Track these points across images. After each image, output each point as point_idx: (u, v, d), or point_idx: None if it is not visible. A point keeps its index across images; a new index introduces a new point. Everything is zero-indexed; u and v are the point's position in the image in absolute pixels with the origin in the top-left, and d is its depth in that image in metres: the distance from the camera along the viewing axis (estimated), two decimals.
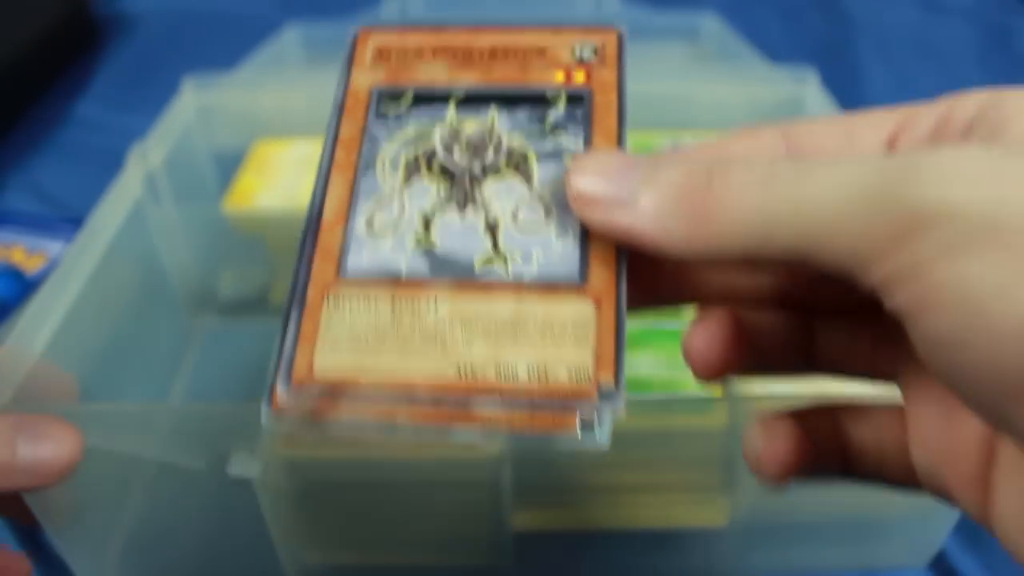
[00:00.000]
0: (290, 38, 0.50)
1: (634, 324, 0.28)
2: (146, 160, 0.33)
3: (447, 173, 0.18)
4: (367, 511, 0.26)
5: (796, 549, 0.28)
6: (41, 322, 0.25)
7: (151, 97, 0.52)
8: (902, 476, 0.16)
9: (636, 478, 0.26)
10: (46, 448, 0.21)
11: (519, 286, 0.16)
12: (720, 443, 0.24)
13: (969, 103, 0.15)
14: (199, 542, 0.27)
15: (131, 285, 0.31)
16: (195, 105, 0.38)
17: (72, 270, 0.27)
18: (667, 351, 0.28)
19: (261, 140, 0.38)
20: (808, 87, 0.38)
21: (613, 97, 0.18)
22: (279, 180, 0.36)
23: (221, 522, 0.26)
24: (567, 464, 0.25)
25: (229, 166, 0.37)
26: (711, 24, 0.50)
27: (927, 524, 0.27)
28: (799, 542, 0.27)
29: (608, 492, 0.26)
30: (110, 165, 0.46)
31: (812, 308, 0.17)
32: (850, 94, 0.50)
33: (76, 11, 0.57)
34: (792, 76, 0.38)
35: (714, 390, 0.25)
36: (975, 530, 0.29)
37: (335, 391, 0.15)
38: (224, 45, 0.57)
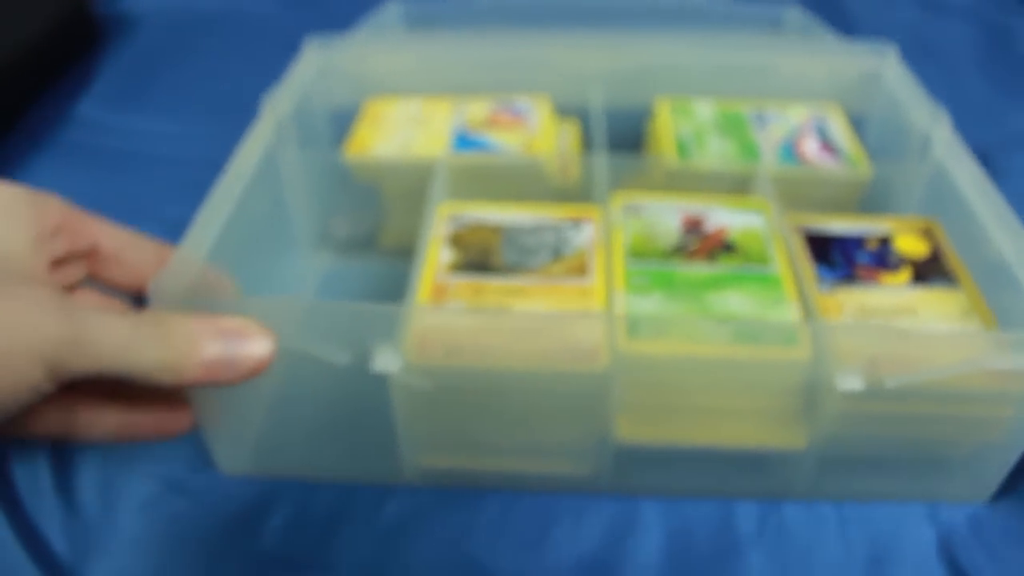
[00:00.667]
0: (390, 13, 0.53)
1: (724, 268, 0.31)
2: (276, 110, 0.36)
3: None
4: (484, 416, 0.29)
5: (866, 477, 0.30)
6: (197, 247, 0.28)
7: (152, 97, 0.53)
8: None
9: (726, 401, 0.29)
10: (249, 347, 0.25)
11: None
12: (803, 372, 0.27)
13: None
14: (327, 435, 0.31)
15: (262, 223, 0.34)
16: (315, 64, 0.41)
17: (219, 205, 0.30)
18: (755, 292, 0.30)
19: (372, 98, 0.42)
20: (888, 61, 0.40)
21: None
22: (391, 134, 0.39)
23: (351, 417, 0.30)
24: (666, 384, 0.29)
25: (343, 121, 0.41)
26: (794, 14, 0.51)
27: (990, 460, 0.29)
28: (869, 470, 0.30)
29: (700, 412, 0.29)
30: (111, 165, 0.48)
31: None
32: None
33: (76, 11, 0.56)
34: (872, 50, 0.40)
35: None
36: None
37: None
38: (224, 45, 0.59)
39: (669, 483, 0.30)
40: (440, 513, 0.30)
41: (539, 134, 0.39)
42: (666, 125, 0.40)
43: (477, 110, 0.41)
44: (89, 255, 0.28)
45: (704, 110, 0.41)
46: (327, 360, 0.26)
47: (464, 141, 0.39)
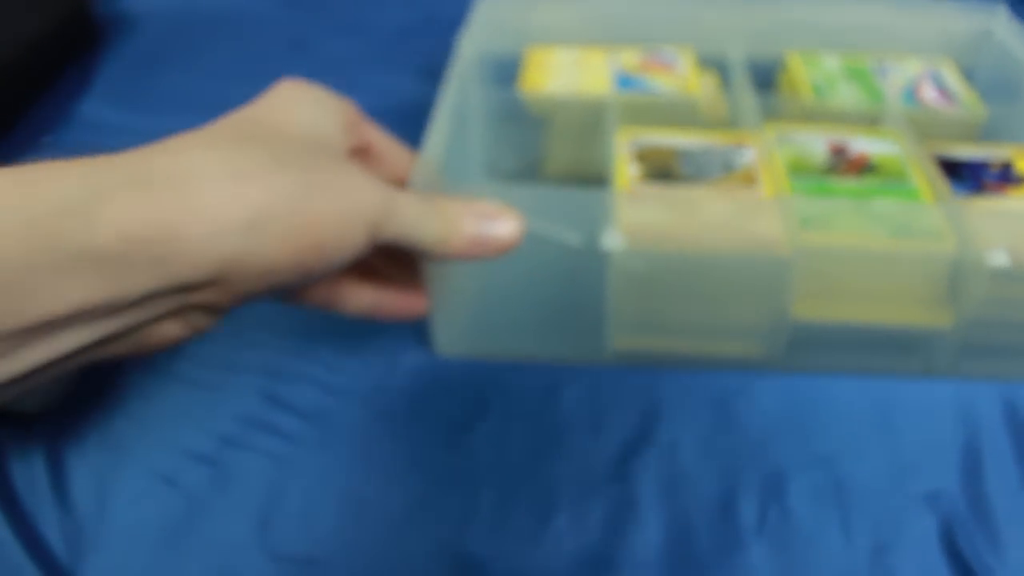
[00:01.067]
0: None
1: (870, 182, 0.37)
2: (463, 55, 0.42)
3: None
4: (681, 298, 0.34)
5: (1008, 359, 0.35)
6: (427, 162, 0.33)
7: (152, 97, 0.54)
8: None
9: (883, 285, 0.34)
10: (500, 227, 0.29)
11: None
12: (953, 255, 0.32)
13: None
14: (539, 317, 0.35)
15: (449, 152, 0.39)
16: (486, 16, 0.47)
17: (437, 133, 0.35)
18: (900, 199, 0.36)
19: (536, 46, 0.48)
20: (998, 18, 0.45)
21: None
22: (556, 76, 0.45)
23: (564, 299, 0.34)
24: (832, 270, 0.34)
25: (507, 68, 0.46)
26: None
27: None
28: (1012, 353, 0.34)
29: (861, 295, 0.34)
30: None
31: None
32: None
33: (76, 11, 0.56)
34: (984, 9, 0.46)
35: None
36: None
37: None
38: (224, 45, 0.59)
39: (831, 361, 0.35)
40: (634, 388, 0.35)
41: (688, 78, 0.45)
42: (800, 72, 0.46)
43: (629, 58, 0.46)
44: (364, 151, 0.32)
45: (831, 62, 0.46)
46: (559, 241, 0.31)
47: (625, 82, 0.44)
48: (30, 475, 0.32)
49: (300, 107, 0.28)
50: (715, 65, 0.47)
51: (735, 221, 0.33)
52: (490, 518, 0.31)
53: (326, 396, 0.35)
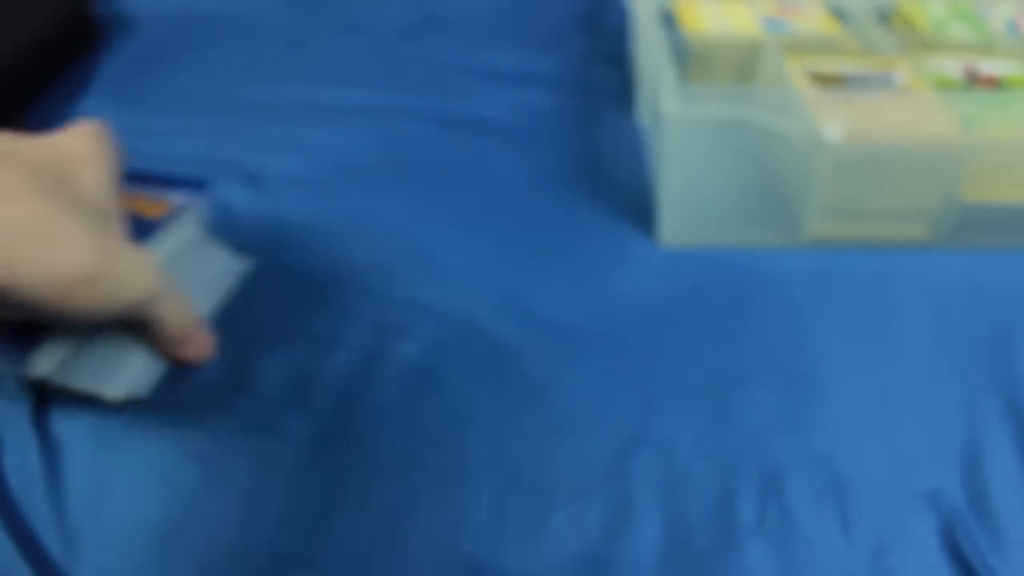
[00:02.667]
0: None
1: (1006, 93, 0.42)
2: (642, 7, 0.49)
3: None
4: (871, 184, 0.39)
5: None
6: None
7: (152, 96, 0.54)
8: None
9: None
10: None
11: None
12: None
13: None
14: (747, 202, 0.40)
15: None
16: None
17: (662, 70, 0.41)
18: None
19: (681, 2, 0.52)
20: None
21: None
22: (709, 22, 0.50)
23: (772, 185, 0.39)
24: (995, 158, 0.38)
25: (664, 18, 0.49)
26: None
27: None
28: None
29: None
30: None
31: None
32: None
33: (76, 11, 0.56)
34: None
35: None
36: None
37: None
38: (224, 45, 0.58)
39: (993, 239, 0.41)
40: (840, 270, 0.40)
41: (823, 20, 0.50)
42: (915, 13, 0.51)
43: (766, 6, 0.52)
44: None
45: (938, 7, 0.51)
46: (782, 133, 0.36)
47: (772, 24, 0.49)
48: (25, 474, 0.32)
49: (95, 170, 0.30)
50: (834, 11, 0.51)
51: (917, 113, 0.38)
52: (487, 517, 0.31)
53: (322, 395, 0.35)
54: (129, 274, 0.29)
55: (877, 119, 0.38)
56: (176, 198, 0.36)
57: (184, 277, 0.34)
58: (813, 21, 0.50)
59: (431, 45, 0.60)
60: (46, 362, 0.31)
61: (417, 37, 0.60)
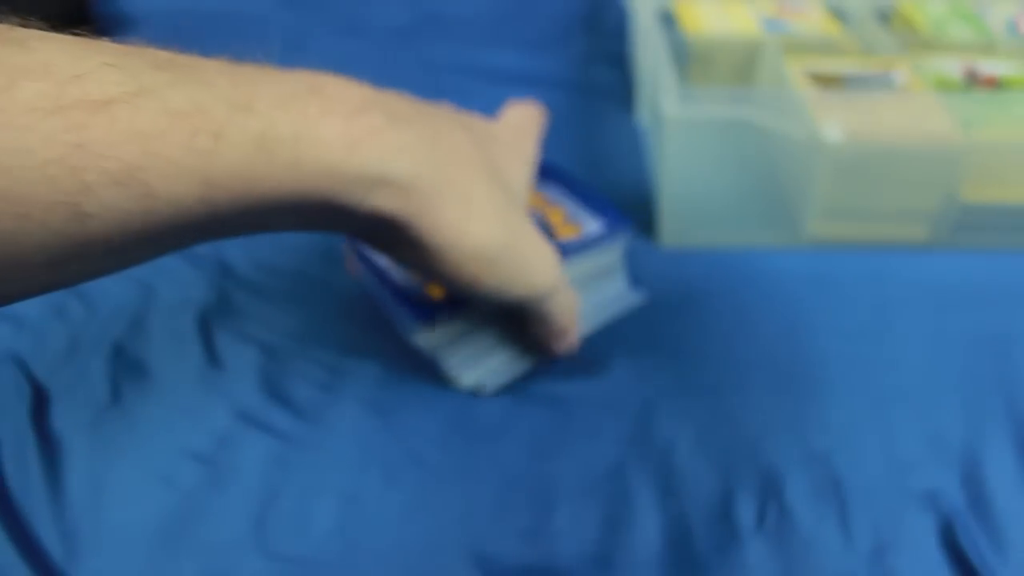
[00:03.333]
0: None
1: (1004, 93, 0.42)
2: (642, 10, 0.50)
3: None
4: (869, 185, 0.39)
5: None
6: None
7: None
8: None
9: None
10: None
11: None
12: None
13: None
14: (749, 202, 0.41)
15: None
16: None
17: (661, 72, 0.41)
18: None
19: (681, 3, 0.53)
20: None
21: None
22: (709, 23, 0.51)
23: (774, 186, 0.40)
24: (991, 160, 0.38)
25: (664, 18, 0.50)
26: None
27: None
28: None
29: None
30: None
31: None
32: None
33: (76, 11, 0.57)
34: None
35: None
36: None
37: None
38: (224, 45, 0.60)
39: (993, 239, 0.41)
40: (840, 271, 0.40)
41: (822, 20, 0.51)
42: (915, 13, 0.51)
43: (766, 6, 0.52)
44: None
45: (938, 8, 0.52)
46: (782, 133, 0.37)
47: (771, 24, 0.50)
48: (25, 474, 0.32)
49: (518, 157, 0.31)
50: (834, 11, 0.52)
51: (914, 116, 0.38)
52: (489, 517, 0.31)
53: (324, 394, 0.35)
54: (534, 261, 0.29)
55: (877, 119, 0.38)
56: (591, 226, 0.36)
57: (583, 295, 0.35)
58: (813, 21, 0.50)
59: (431, 45, 0.60)
60: (430, 338, 0.33)
61: (417, 37, 0.60)
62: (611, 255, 0.37)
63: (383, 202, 0.24)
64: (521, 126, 0.32)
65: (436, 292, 0.33)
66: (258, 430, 0.33)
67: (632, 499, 0.31)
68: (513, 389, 0.35)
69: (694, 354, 0.36)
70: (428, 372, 0.35)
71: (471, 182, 0.26)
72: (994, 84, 0.43)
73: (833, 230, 0.41)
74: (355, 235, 0.27)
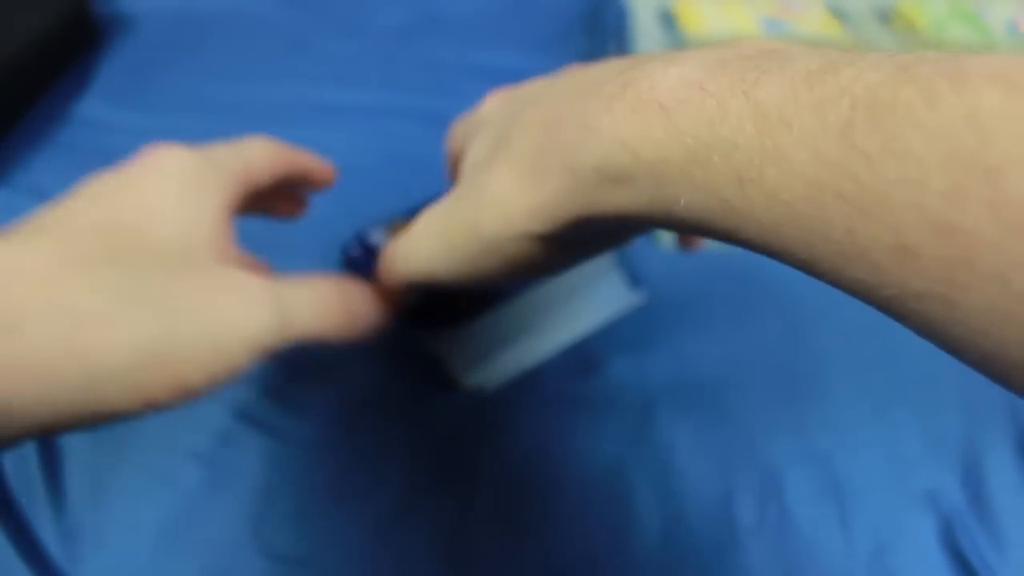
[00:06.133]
0: None
1: None
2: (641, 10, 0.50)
3: None
4: None
5: None
6: None
7: (152, 96, 0.53)
8: None
9: None
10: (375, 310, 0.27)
11: None
12: None
13: None
14: None
15: None
16: None
17: None
18: None
19: (681, 3, 0.52)
20: None
21: None
22: (709, 23, 0.50)
23: None
24: None
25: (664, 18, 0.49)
26: None
27: None
28: None
29: None
30: (111, 164, 0.47)
31: None
32: None
33: (76, 11, 0.55)
34: None
35: None
36: None
37: None
38: (224, 45, 0.58)
39: None
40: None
41: (822, 21, 0.51)
42: (915, 14, 0.51)
43: (766, 6, 0.52)
44: (282, 187, 0.30)
45: (938, 8, 0.52)
46: None
47: (771, 25, 0.50)
48: (25, 475, 0.32)
49: (166, 200, 0.24)
50: (834, 11, 0.52)
51: None
52: (487, 516, 0.31)
53: (324, 394, 0.35)
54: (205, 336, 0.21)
55: None
56: None
57: (577, 298, 0.35)
58: (813, 21, 0.51)
59: (431, 45, 0.59)
60: (431, 338, 0.33)
61: (417, 37, 0.60)
62: (603, 260, 0.37)
63: None
64: (162, 163, 0.26)
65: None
66: (258, 430, 0.33)
67: (632, 499, 0.31)
68: (513, 389, 0.35)
69: (694, 354, 0.36)
70: (429, 372, 0.35)
71: (49, 286, 0.20)
72: None
73: None
74: None
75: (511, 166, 0.22)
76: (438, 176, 0.47)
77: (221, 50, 0.58)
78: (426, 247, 0.24)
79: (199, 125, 0.50)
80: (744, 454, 0.32)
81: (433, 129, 0.53)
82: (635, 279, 0.39)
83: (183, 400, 0.21)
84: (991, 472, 0.31)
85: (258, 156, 0.28)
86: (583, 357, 0.36)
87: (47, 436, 0.20)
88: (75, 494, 0.31)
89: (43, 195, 0.44)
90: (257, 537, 0.30)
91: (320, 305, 0.25)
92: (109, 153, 0.48)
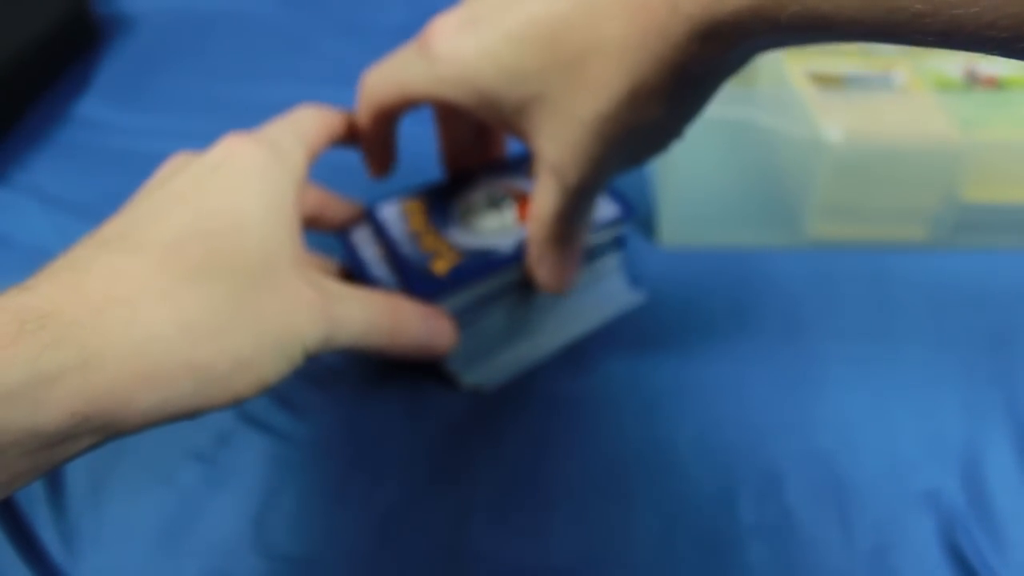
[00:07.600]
0: None
1: (1004, 92, 0.43)
2: None
3: None
4: (873, 184, 0.39)
5: None
6: None
7: (152, 96, 0.53)
8: None
9: None
10: (440, 337, 0.31)
11: None
12: None
13: None
14: (752, 205, 0.41)
15: None
16: None
17: None
18: None
19: None
20: None
21: None
22: None
23: (774, 186, 0.40)
24: (991, 159, 0.38)
25: None
26: None
27: None
28: None
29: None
30: (111, 165, 0.47)
31: None
32: None
33: (76, 11, 0.56)
34: None
35: None
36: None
37: None
38: (224, 45, 0.58)
39: (993, 239, 0.41)
40: (840, 271, 0.40)
41: None
42: None
43: None
44: (314, 213, 0.34)
45: None
46: (782, 133, 0.37)
47: None
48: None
49: (249, 205, 0.25)
50: None
51: (913, 116, 0.38)
52: (487, 516, 0.31)
53: (324, 394, 0.35)
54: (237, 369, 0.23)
55: (877, 119, 0.38)
56: (607, 209, 0.35)
57: (577, 298, 0.35)
58: None
59: None
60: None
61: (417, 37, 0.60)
62: (611, 260, 0.37)
63: None
64: (244, 164, 0.27)
65: (441, 268, 0.32)
66: (258, 430, 0.33)
67: (632, 499, 0.31)
68: (513, 389, 0.35)
69: (694, 354, 0.36)
70: (428, 372, 0.35)
71: (156, 304, 0.22)
72: (994, 84, 0.43)
73: (833, 230, 0.42)
74: None
75: None
76: (437, 175, 0.47)
77: (221, 50, 0.58)
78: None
79: (199, 125, 0.50)
80: (744, 454, 0.32)
81: (433, 129, 0.53)
82: (635, 279, 0.39)
83: (261, 394, 0.24)
84: (991, 473, 0.31)
85: (314, 131, 0.31)
86: (582, 357, 0.36)
87: (150, 428, 0.22)
88: (75, 494, 0.31)
89: (43, 195, 0.46)
90: (257, 537, 0.30)
91: (367, 321, 0.28)
92: (108, 153, 0.48)
